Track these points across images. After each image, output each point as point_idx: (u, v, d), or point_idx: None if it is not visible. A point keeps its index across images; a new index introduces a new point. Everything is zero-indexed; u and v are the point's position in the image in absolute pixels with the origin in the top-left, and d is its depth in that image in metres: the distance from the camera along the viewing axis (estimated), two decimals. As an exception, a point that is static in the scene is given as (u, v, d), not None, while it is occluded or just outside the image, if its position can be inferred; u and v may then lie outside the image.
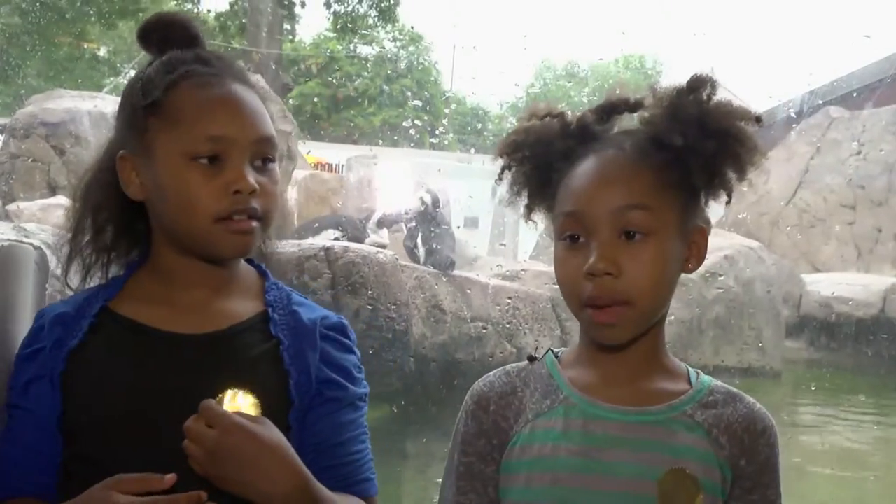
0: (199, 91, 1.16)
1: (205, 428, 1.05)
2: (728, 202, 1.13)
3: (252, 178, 1.15)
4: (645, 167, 1.09)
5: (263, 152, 1.18)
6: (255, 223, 1.16)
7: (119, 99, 1.26)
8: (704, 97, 1.09)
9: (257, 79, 9.59)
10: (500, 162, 1.19)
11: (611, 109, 1.16)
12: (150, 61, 1.22)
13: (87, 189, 1.25)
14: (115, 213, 1.24)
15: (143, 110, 1.16)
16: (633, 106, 1.15)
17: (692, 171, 1.09)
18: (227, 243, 1.16)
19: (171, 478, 1.04)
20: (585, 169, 1.12)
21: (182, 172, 1.14)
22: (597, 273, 1.07)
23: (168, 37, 1.22)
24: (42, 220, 6.28)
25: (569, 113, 1.17)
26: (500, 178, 1.20)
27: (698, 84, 1.09)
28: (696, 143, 1.07)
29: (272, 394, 1.13)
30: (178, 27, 1.23)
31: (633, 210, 1.08)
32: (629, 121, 1.17)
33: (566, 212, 1.12)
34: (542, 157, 1.16)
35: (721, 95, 1.10)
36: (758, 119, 1.10)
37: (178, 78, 1.16)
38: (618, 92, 1.17)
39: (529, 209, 1.20)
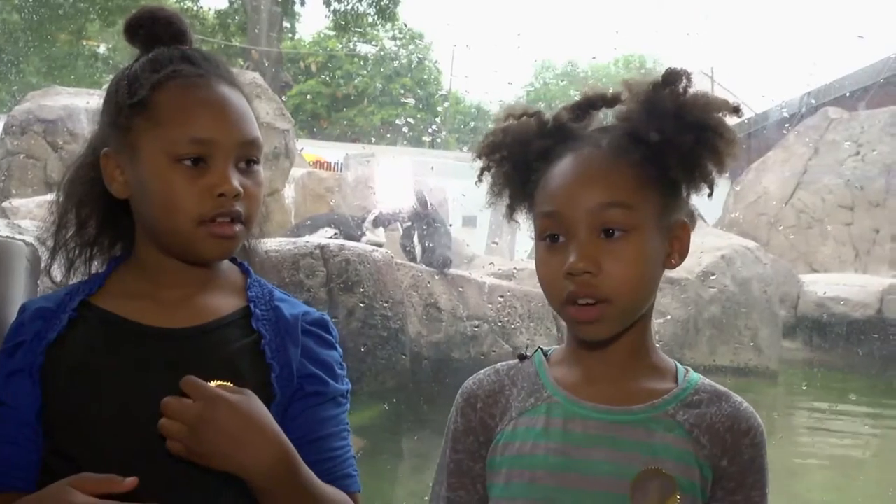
0: (184, 92, 1.15)
1: (186, 402, 1.04)
2: (710, 195, 1.12)
3: (236, 180, 1.14)
4: (622, 164, 1.08)
5: (248, 154, 1.18)
6: (237, 227, 1.16)
7: None
8: (680, 90, 1.08)
9: (255, 77, 9.59)
10: (479, 163, 1.19)
11: (587, 106, 1.15)
12: (135, 58, 1.21)
13: (71, 184, 1.25)
14: (98, 209, 1.24)
15: (128, 109, 1.16)
16: (610, 102, 1.14)
17: (671, 166, 1.08)
18: (209, 246, 1.16)
19: (131, 481, 1.02)
20: (563, 169, 1.11)
21: (166, 173, 1.14)
22: (576, 273, 1.06)
23: (155, 32, 1.21)
24: (38, 217, 6.26)
25: (545, 112, 1.16)
26: (480, 180, 1.19)
27: (674, 77, 1.08)
28: (673, 137, 1.06)
29: (254, 387, 1.12)
30: (166, 23, 1.21)
31: (612, 208, 1.07)
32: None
33: (545, 212, 1.11)
34: (520, 156, 1.15)
35: (697, 89, 1.09)
36: (736, 109, 1.09)
37: (164, 77, 1.15)
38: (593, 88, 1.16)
39: (511, 209, 1.20)
